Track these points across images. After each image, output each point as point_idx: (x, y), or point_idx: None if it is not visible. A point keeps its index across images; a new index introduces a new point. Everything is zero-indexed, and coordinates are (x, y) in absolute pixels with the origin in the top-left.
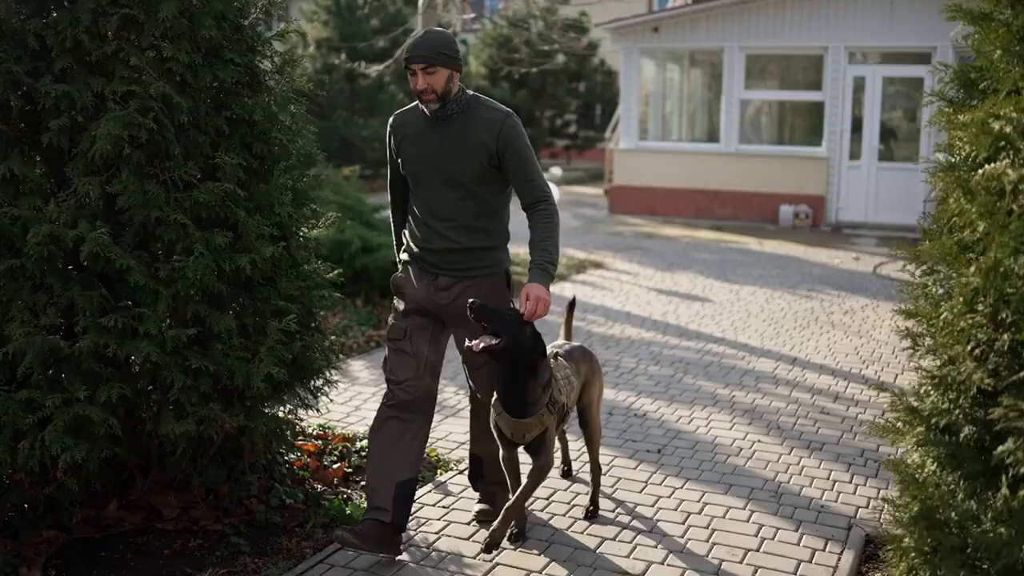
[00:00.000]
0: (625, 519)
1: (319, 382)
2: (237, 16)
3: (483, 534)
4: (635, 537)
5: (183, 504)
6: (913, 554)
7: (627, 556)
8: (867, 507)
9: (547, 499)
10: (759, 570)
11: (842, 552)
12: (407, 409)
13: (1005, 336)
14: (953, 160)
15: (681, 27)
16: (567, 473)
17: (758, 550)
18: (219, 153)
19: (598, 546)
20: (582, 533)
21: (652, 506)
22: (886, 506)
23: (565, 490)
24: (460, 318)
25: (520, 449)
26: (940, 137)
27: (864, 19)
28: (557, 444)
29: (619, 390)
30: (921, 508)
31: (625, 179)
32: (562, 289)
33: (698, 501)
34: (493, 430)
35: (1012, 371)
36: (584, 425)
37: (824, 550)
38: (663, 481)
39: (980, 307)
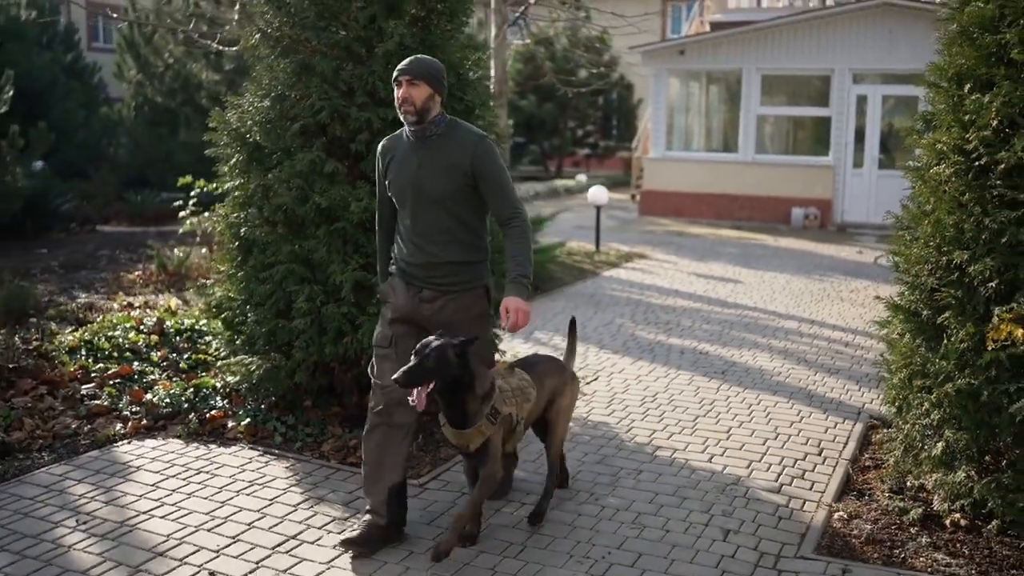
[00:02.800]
0: (714, 414)
1: None
2: (461, 72)
3: None
4: (730, 430)
5: None
6: (896, 385)
7: (704, 454)
8: (870, 403)
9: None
10: (803, 431)
11: (854, 424)
12: (393, 414)
13: (943, 259)
14: (919, 164)
15: (704, 50)
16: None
17: (800, 422)
18: None
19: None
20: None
21: (725, 401)
22: (881, 370)
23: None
24: (442, 327)
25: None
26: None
27: (866, 45)
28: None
29: (684, 339)
30: (900, 358)
31: (653, 184)
32: (617, 273)
33: (756, 399)
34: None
35: (946, 275)
36: (548, 432)
37: (843, 423)
38: (730, 388)
39: (930, 244)
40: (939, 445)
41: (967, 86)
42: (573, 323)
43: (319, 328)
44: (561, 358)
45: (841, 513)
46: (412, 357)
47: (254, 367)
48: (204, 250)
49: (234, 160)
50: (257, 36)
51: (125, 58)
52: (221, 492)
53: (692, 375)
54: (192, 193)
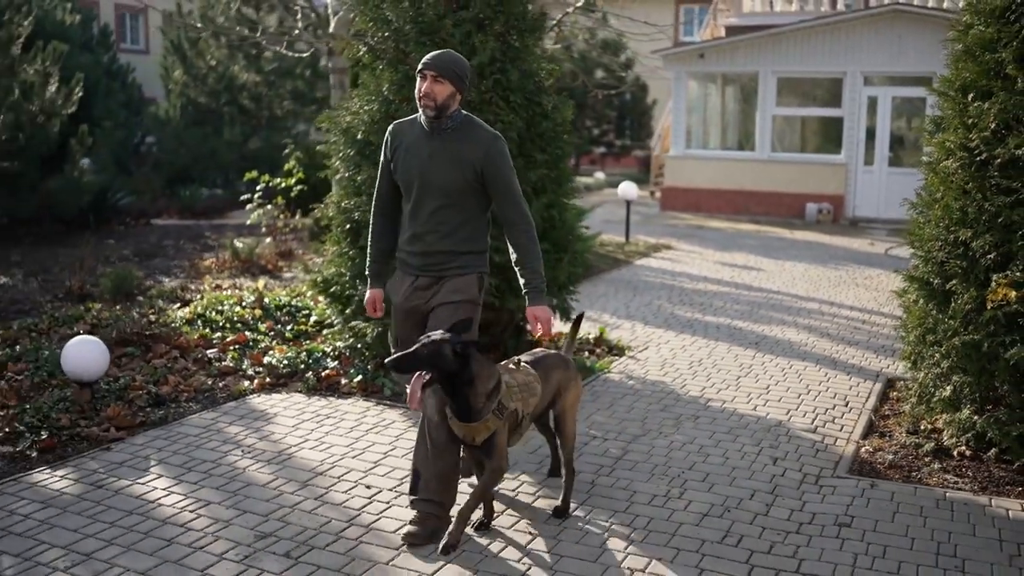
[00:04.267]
0: (753, 375)
1: None
2: (537, 79)
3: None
4: (768, 387)
5: None
6: (912, 342)
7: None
8: (886, 368)
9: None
10: (830, 388)
11: (874, 383)
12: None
13: (951, 236)
14: (930, 160)
15: (723, 54)
16: (554, 472)
17: (827, 381)
18: (537, 151)
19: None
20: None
21: (761, 366)
22: (899, 330)
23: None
24: (439, 314)
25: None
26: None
27: (877, 49)
28: (542, 443)
29: (718, 317)
30: (914, 320)
31: (674, 181)
32: (648, 263)
33: (788, 364)
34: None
35: (953, 250)
36: (558, 431)
37: (864, 383)
38: (764, 356)
39: (940, 224)
40: (948, 389)
41: (970, 95)
42: (577, 319)
43: None
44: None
45: (867, 447)
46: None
47: (368, 332)
48: (269, 239)
49: (342, 154)
50: (364, 50)
51: (172, 60)
52: (352, 431)
53: (729, 345)
54: (258, 188)
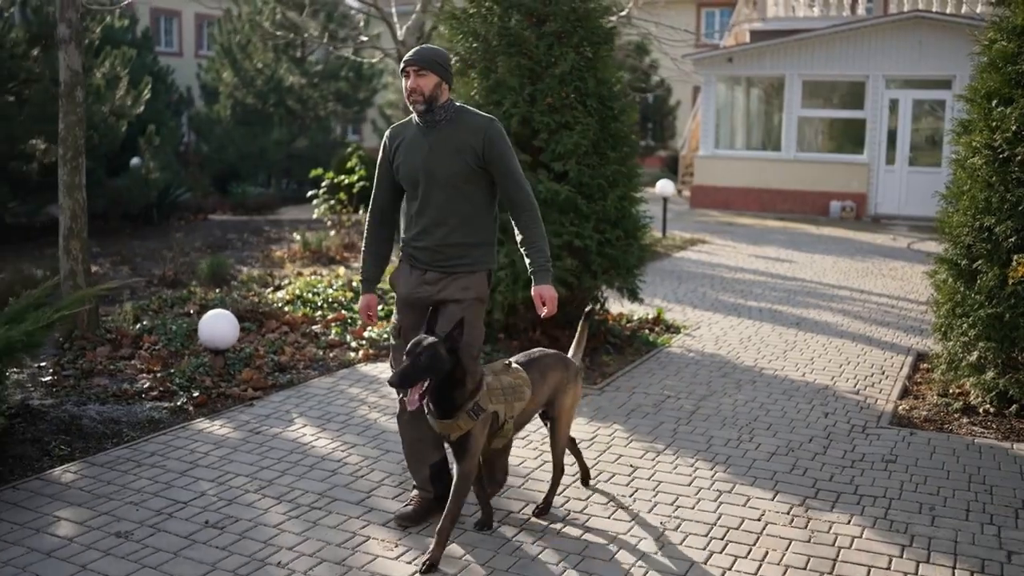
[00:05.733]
0: (798, 349)
1: None
2: (609, 85)
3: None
4: (812, 359)
5: None
6: (943, 316)
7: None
8: (915, 345)
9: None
10: (867, 360)
11: (906, 356)
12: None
13: (977, 223)
14: (958, 157)
15: (750, 58)
16: (585, 481)
17: (864, 355)
18: (609, 150)
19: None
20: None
21: (804, 342)
22: (929, 309)
23: (584, 498)
24: (449, 309)
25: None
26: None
27: (898, 53)
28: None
29: (759, 302)
30: (945, 296)
31: (703, 180)
32: (687, 255)
33: (828, 341)
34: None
35: (979, 235)
36: (551, 430)
37: (897, 356)
38: (805, 334)
39: (968, 213)
40: (974, 355)
41: (994, 101)
42: (588, 315)
43: (514, 278)
44: (568, 353)
45: (903, 406)
46: (404, 358)
47: None
48: (333, 232)
49: None
50: (456, 60)
51: (222, 63)
52: None
53: (773, 326)
54: (323, 184)
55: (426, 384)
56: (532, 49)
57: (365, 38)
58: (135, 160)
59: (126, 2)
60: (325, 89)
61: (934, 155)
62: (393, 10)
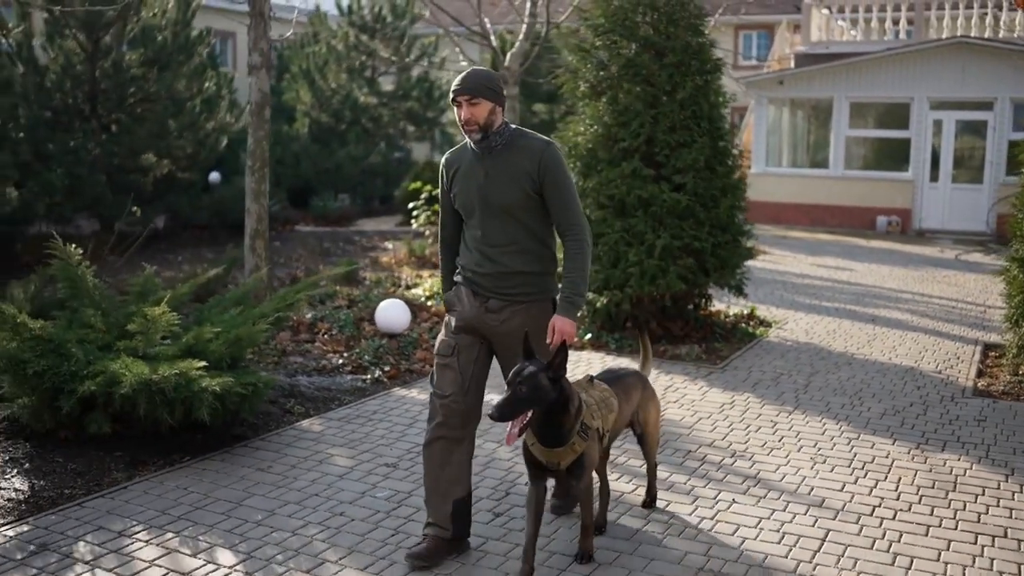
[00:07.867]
0: (880, 340)
1: None
2: (718, 108)
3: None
4: (895, 347)
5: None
6: (1014, 306)
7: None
8: (982, 338)
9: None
10: (941, 349)
11: (975, 347)
12: (453, 426)
13: None
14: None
15: (800, 81)
16: (648, 504)
17: (938, 345)
18: (719, 164)
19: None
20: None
21: (883, 335)
22: (1004, 297)
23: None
24: (508, 344)
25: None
26: (998, 165)
27: (942, 76)
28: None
29: (833, 303)
30: (1015, 290)
31: (755, 195)
32: (753, 264)
33: (904, 334)
34: (524, 458)
35: None
36: (642, 444)
37: (967, 346)
38: (882, 329)
39: None
40: None
41: None
42: (642, 327)
43: (641, 273)
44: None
45: (981, 383)
46: (506, 388)
47: (599, 301)
48: (431, 240)
49: (570, 164)
50: (583, 86)
51: (300, 83)
52: (593, 370)
53: (852, 322)
54: (422, 196)
55: (528, 416)
56: (655, 78)
57: (436, 60)
58: (214, 175)
59: (288, 35)
60: (396, 108)
61: (975, 173)
62: (489, 26)
